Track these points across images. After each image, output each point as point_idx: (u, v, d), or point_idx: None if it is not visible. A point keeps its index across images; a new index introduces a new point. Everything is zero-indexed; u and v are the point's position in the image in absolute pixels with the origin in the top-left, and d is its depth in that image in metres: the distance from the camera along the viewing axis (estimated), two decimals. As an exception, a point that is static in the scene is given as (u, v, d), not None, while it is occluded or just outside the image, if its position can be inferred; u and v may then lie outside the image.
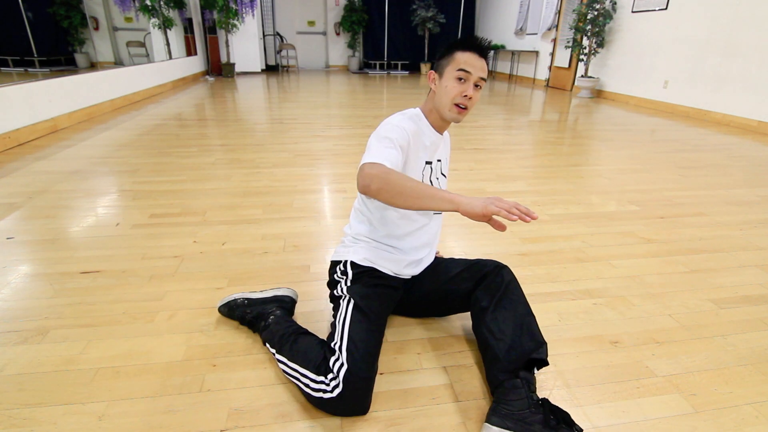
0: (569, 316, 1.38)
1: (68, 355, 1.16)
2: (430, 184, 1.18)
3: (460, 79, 1.12)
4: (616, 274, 1.64)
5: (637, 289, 1.55)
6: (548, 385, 1.10)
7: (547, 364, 1.05)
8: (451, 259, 1.33)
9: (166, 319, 1.31)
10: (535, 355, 1.02)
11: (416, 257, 1.26)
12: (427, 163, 1.21)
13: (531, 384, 0.99)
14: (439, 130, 1.23)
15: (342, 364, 0.97)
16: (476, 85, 1.14)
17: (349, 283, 1.18)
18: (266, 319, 1.22)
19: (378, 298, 1.15)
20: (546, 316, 1.38)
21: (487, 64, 1.16)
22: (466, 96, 1.13)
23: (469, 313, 1.22)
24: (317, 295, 1.47)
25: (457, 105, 1.13)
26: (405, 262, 1.24)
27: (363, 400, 0.98)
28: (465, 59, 1.11)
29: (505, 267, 1.20)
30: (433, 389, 1.08)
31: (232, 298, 1.31)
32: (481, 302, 1.15)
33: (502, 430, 0.91)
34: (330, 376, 0.97)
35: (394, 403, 1.03)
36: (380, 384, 1.09)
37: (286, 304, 1.31)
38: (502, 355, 1.04)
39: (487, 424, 0.93)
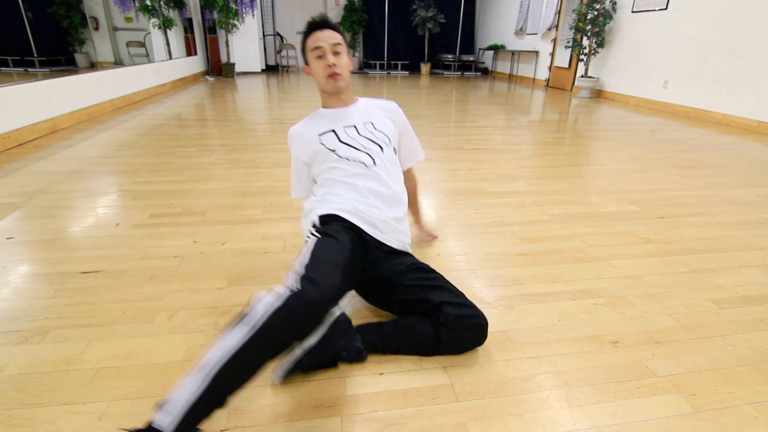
0: (569, 316, 1.38)
1: (68, 355, 1.16)
2: (343, 145, 1.33)
3: (319, 56, 1.27)
4: (616, 274, 1.64)
5: (637, 289, 1.55)
6: (548, 385, 1.10)
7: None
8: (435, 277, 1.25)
9: (166, 319, 1.31)
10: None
11: (363, 208, 1.27)
12: (325, 133, 1.35)
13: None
14: (341, 105, 1.39)
15: (295, 273, 0.95)
16: (336, 52, 1.27)
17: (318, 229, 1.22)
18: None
19: (345, 233, 1.16)
20: (546, 316, 1.38)
21: (337, 32, 1.28)
22: (329, 65, 1.26)
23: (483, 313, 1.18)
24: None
25: (329, 77, 1.28)
26: (356, 211, 1.27)
27: (323, 299, 0.91)
28: (314, 39, 1.27)
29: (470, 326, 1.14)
30: (433, 389, 1.08)
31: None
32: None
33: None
34: (287, 283, 0.92)
35: (394, 403, 1.03)
36: (380, 384, 1.09)
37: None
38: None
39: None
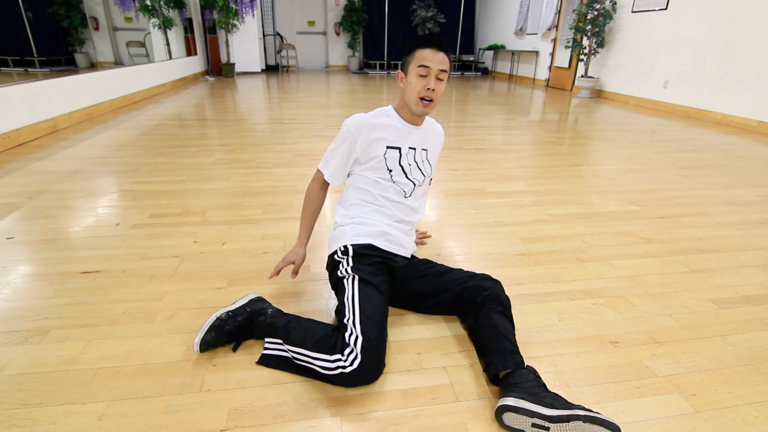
0: (569, 316, 1.38)
1: (68, 355, 1.16)
2: (399, 167, 1.33)
3: (422, 75, 1.23)
4: (616, 274, 1.64)
5: (637, 289, 1.55)
6: (548, 385, 1.09)
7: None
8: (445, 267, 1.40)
9: (166, 319, 1.31)
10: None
11: (394, 232, 1.34)
12: (392, 147, 1.32)
13: (537, 374, 1.04)
14: (413, 122, 1.35)
15: (357, 337, 1.03)
16: (439, 78, 1.24)
17: (351, 262, 1.25)
18: (265, 314, 1.22)
19: (380, 272, 1.25)
20: (546, 316, 1.38)
21: (448, 58, 1.25)
22: (429, 89, 1.23)
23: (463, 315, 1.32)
24: (317, 294, 1.47)
25: (422, 99, 1.25)
26: (389, 236, 1.33)
27: (379, 367, 1.07)
28: (424, 55, 1.22)
29: (502, 288, 1.26)
30: (433, 389, 1.08)
31: (211, 321, 1.19)
32: (477, 298, 1.22)
33: (518, 399, 0.94)
34: (347, 351, 1.02)
35: (394, 403, 1.03)
36: (380, 384, 1.09)
37: (266, 300, 1.30)
38: (510, 347, 1.10)
39: (503, 397, 0.96)
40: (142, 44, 6.65)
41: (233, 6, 8.30)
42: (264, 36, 10.30)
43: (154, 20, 6.79)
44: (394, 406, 1.02)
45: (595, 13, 6.48)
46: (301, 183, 2.60)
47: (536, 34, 8.77)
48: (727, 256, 1.81)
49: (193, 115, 4.83)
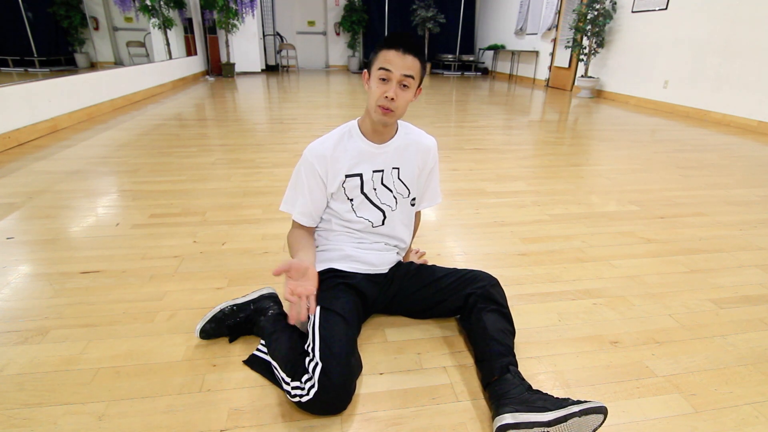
0: (569, 316, 1.38)
1: (68, 355, 1.16)
2: (362, 196, 1.22)
3: (383, 79, 1.07)
4: (616, 274, 1.64)
5: (637, 289, 1.55)
6: (548, 385, 1.10)
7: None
8: (438, 267, 1.33)
9: (166, 319, 1.31)
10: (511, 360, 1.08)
11: (359, 253, 1.26)
12: (351, 176, 1.19)
13: (521, 375, 1.03)
14: (376, 139, 1.20)
15: (316, 364, 0.97)
16: (404, 85, 1.08)
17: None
18: (265, 315, 1.22)
19: (344, 294, 1.17)
20: (546, 316, 1.38)
21: (419, 61, 1.08)
22: (386, 97, 1.07)
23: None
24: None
25: (380, 106, 1.09)
26: (357, 259, 1.25)
27: (340, 398, 0.97)
28: (387, 57, 1.06)
29: (495, 285, 1.23)
30: (433, 389, 1.08)
31: (214, 312, 1.22)
32: (474, 306, 1.20)
33: (515, 413, 0.91)
34: (305, 377, 0.96)
35: (394, 403, 1.03)
36: (380, 384, 1.09)
37: (276, 299, 1.30)
38: (498, 349, 1.08)
39: (498, 416, 0.93)
40: (142, 44, 6.65)
41: (233, 6, 8.29)
42: (264, 36, 10.30)
43: (154, 20, 6.79)
44: (394, 406, 1.02)
45: (595, 13, 6.48)
46: (301, 183, 2.60)
47: (536, 34, 8.77)
48: (727, 256, 1.81)
49: (193, 115, 4.83)
